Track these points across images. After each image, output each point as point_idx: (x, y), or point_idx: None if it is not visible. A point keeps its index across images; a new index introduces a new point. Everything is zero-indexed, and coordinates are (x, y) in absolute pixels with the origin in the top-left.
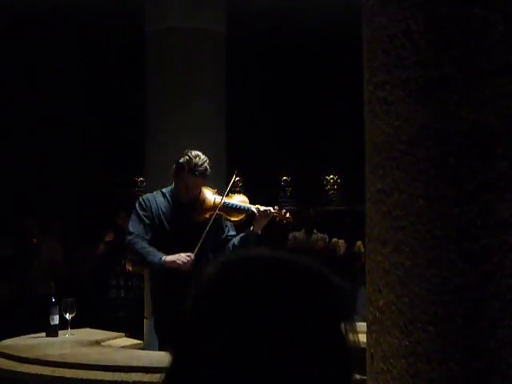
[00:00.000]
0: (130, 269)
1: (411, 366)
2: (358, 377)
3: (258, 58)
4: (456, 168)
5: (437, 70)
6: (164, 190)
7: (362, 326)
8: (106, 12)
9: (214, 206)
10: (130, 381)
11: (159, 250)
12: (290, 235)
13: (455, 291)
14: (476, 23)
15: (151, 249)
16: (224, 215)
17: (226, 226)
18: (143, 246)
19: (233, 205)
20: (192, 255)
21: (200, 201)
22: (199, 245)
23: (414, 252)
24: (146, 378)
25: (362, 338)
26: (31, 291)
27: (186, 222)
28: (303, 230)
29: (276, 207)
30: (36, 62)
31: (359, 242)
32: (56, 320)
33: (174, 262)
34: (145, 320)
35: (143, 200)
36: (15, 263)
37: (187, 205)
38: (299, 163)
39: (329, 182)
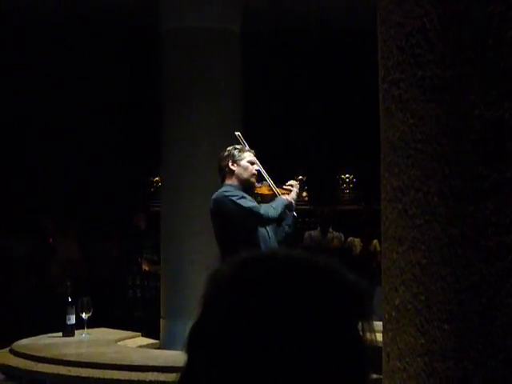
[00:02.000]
0: (147, 268)
1: (427, 365)
2: (374, 376)
3: (273, 56)
4: (471, 166)
5: (452, 68)
6: (229, 186)
7: (378, 325)
8: (121, 11)
9: (266, 186)
10: (147, 380)
11: (255, 236)
12: (306, 234)
13: (471, 289)
14: (492, 21)
15: (274, 203)
16: (281, 191)
17: None
18: (269, 207)
19: (270, 184)
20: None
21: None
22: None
23: (429, 250)
24: (162, 377)
25: (379, 336)
26: (48, 291)
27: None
28: (318, 229)
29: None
30: (52, 61)
31: (375, 241)
32: (72, 320)
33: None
34: (161, 320)
35: (235, 193)
36: (32, 263)
37: (253, 186)
38: (314, 162)
39: (344, 180)
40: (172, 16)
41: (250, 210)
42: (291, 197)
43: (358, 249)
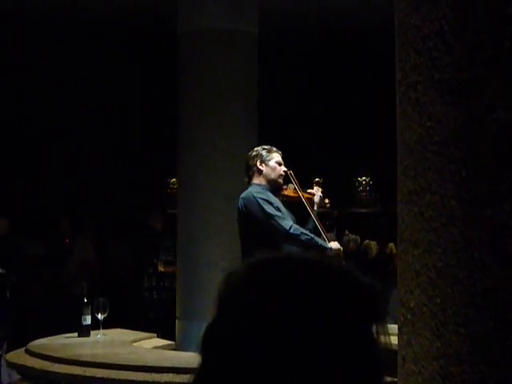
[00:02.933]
0: (162, 269)
1: (442, 368)
2: (389, 379)
3: (289, 58)
4: (488, 169)
5: (470, 71)
6: (256, 187)
7: (393, 328)
8: (139, 13)
9: (292, 189)
10: (162, 381)
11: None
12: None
13: (487, 293)
14: (510, 23)
15: (315, 237)
16: (305, 196)
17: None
18: (311, 234)
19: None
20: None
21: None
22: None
23: (445, 253)
24: (177, 378)
25: (394, 339)
26: (64, 291)
27: (286, 204)
28: (335, 232)
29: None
30: (67, 63)
31: (391, 244)
32: (88, 320)
33: (337, 250)
34: (177, 321)
35: (262, 196)
36: (48, 263)
37: (280, 188)
38: (331, 164)
39: (361, 183)
40: (187, 17)
41: (274, 216)
42: (336, 246)
43: (374, 252)
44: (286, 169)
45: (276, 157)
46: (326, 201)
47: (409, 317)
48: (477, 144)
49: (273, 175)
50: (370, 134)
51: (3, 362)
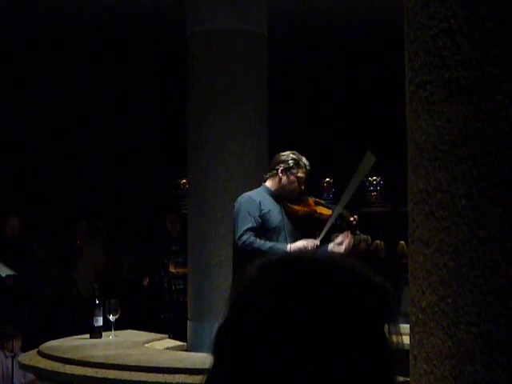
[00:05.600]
0: (173, 270)
1: (454, 368)
2: (401, 379)
3: (300, 58)
4: (499, 168)
5: (479, 70)
6: (261, 189)
7: (405, 327)
8: (148, 14)
9: (310, 202)
10: (174, 382)
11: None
12: (332, 236)
13: (499, 292)
14: None
15: (271, 242)
16: (318, 210)
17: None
18: (261, 241)
19: (321, 202)
20: (317, 242)
21: (299, 196)
22: (323, 233)
23: (457, 252)
24: (190, 379)
25: (406, 339)
26: (76, 293)
27: (288, 215)
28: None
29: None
30: (78, 64)
31: (402, 243)
32: (100, 321)
33: (300, 248)
34: (188, 322)
35: (251, 197)
36: (60, 265)
37: (289, 199)
38: (341, 164)
39: (371, 183)
40: (196, 18)
41: (236, 226)
42: (302, 244)
43: (384, 251)
44: (303, 187)
45: (300, 172)
46: (352, 218)
47: (420, 316)
48: (487, 143)
49: (287, 188)
50: (380, 133)
51: (16, 363)
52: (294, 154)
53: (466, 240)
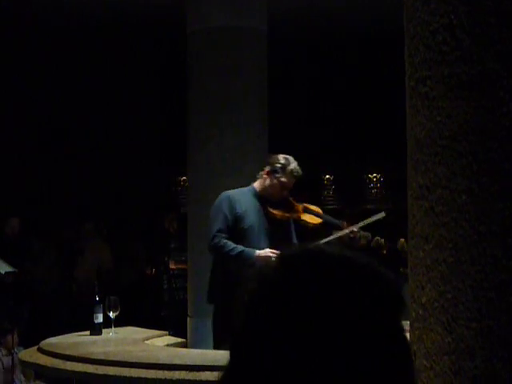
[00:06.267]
0: (174, 267)
1: (454, 363)
2: None
3: (299, 56)
4: (499, 163)
5: (480, 65)
6: (246, 188)
7: (405, 323)
8: (147, 12)
9: (296, 208)
10: (173, 379)
11: (241, 244)
12: (333, 233)
13: (499, 287)
14: None
15: (240, 247)
16: (302, 217)
17: (293, 233)
18: (231, 245)
19: (312, 210)
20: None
21: (287, 201)
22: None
23: (456, 248)
24: (189, 376)
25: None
26: (75, 290)
27: (268, 218)
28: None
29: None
30: (77, 63)
31: (402, 240)
32: (100, 318)
33: (265, 257)
34: (188, 319)
35: (228, 196)
36: (60, 263)
37: (273, 202)
38: (341, 162)
39: (371, 180)
40: (196, 16)
41: (209, 228)
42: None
43: (385, 248)
44: (285, 193)
45: (284, 177)
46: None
47: (420, 312)
48: (487, 138)
49: (269, 190)
50: (380, 130)
51: (16, 361)
52: (285, 158)
53: (466, 235)
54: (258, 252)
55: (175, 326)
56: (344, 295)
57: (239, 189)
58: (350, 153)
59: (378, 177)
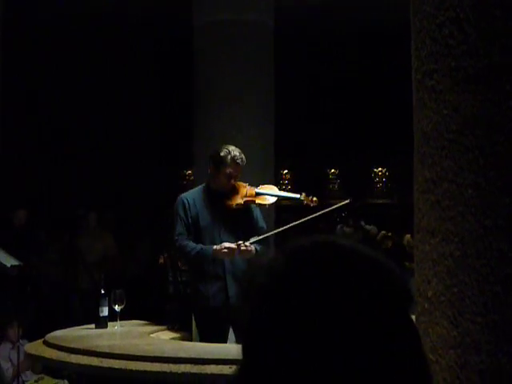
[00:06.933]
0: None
1: (460, 357)
2: None
3: (306, 50)
4: (506, 157)
5: (486, 59)
6: (200, 187)
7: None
8: (155, 6)
9: (248, 193)
10: (179, 372)
11: (202, 242)
12: (338, 227)
13: (505, 281)
14: None
15: (199, 246)
16: (257, 201)
17: (257, 218)
18: (191, 246)
19: (265, 192)
20: (248, 243)
21: (236, 189)
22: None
23: (463, 242)
24: (195, 369)
25: None
26: (80, 284)
27: (223, 210)
28: (351, 223)
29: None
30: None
31: (408, 235)
32: (105, 312)
33: (220, 251)
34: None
35: (182, 199)
36: (66, 255)
37: (225, 194)
38: (347, 156)
39: (377, 174)
40: (202, 9)
41: (174, 231)
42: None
43: (390, 242)
44: (233, 181)
45: (227, 168)
46: (314, 198)
47: (426, 306)
48: (494, 132)
49: (217, 183)
50: (386, 124)
51: (21, 353)
52: (224, 149)
53: (472, 229)
54: (214, 247)
55: (180, 320)
56: (351, 291)
57: (193, 189)
58: (355, 147)
59: (384, 171)
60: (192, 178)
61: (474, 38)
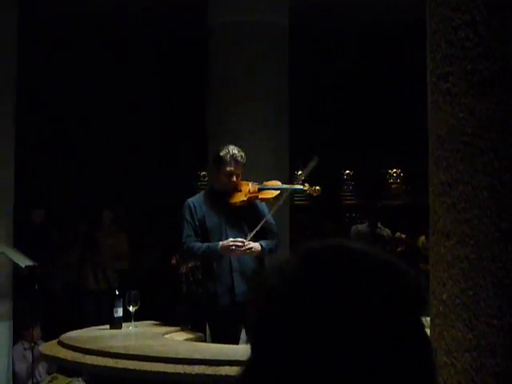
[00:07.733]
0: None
1: (475, 360)
2: None
3: (320, 50)
4: None
5: (502, 62)
6: (205, 191)
7: (425, 320)
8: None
9: (251, 190)
10: (193, 373)
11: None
12: (353, 228)
13: None
14: None
15: (205, 244)
16: (260, 196)
17: (263, 213)
18: (198, 246)
19: (268, 186)
20: (244, 240)
21: (239, 188)
22: (254, 232)
23: (478, 245)
24: (209, 370)
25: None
26: (95, 284)
27: (228, 209)
28: (367, 224)
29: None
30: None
31: (423, 237)
32: (120, 312)
33: (227, 247)
34: None
35: (188, 203)
36: (78, 253)
37: (229, 193)
38: (361, 157)
39: (392, 175)
40: (217, 10)
41: (181, 233)
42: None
43: (406, 244)
44: (234, 179)
45: (227, 167)
46: (317, 188)
47: (441, 309)
48: (509, 135)
49: (220, 184)
50: (400, 125)
51: (37, 354)
52: (223, 149)
53: (487, 232)
54: (220, 243)
55: (194, 320)
56: (362, 295)
57: (199, 193)
58: (369, 148)
59: (398, 172)
60: (206, 178)
61: (490, 41)
